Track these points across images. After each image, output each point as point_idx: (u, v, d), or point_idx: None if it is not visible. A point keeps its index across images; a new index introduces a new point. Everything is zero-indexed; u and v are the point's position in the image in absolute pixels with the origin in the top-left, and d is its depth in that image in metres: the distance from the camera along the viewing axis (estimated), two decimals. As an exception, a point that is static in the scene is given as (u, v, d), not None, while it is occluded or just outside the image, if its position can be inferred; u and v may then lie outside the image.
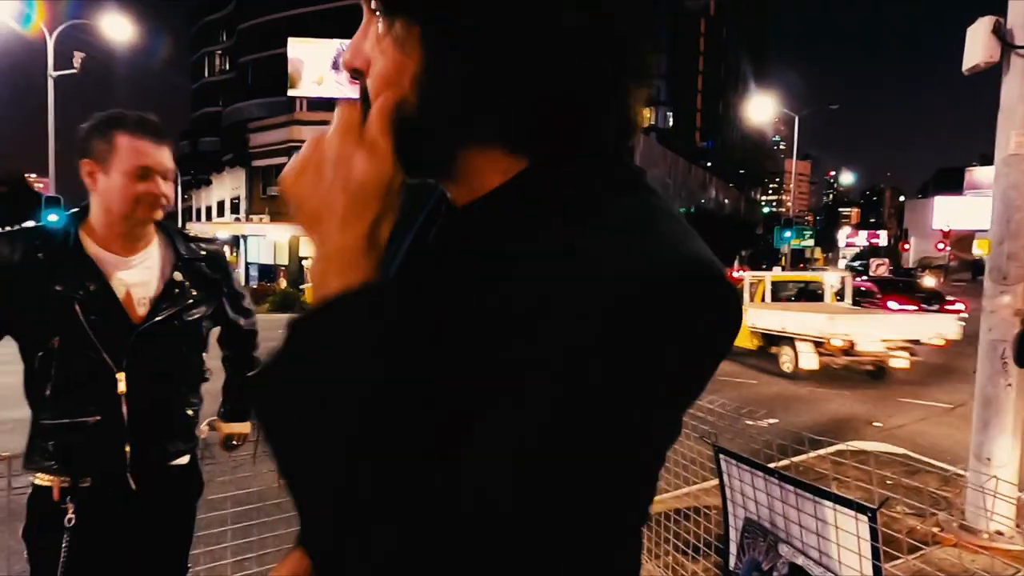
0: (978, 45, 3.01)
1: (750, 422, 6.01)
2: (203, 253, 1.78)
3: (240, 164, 38.03)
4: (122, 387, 1.56)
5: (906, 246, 41.47)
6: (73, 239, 1.58)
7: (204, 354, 1.81)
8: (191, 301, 1.71)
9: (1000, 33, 3.07)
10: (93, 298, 1.55)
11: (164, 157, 1.61)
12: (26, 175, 69.05)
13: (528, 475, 0.44)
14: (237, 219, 36.12)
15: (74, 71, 18.97)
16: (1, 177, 51.33)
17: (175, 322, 1.66)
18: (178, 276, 1.68)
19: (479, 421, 0.46)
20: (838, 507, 1.57)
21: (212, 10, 62.27)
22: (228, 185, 39.85)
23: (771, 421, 6.63)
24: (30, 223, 1.78)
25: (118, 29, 19.72)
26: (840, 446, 3.67)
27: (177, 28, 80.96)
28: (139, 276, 1.64)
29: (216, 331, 1.91)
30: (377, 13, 0.54)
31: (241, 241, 32.44)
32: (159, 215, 1.64)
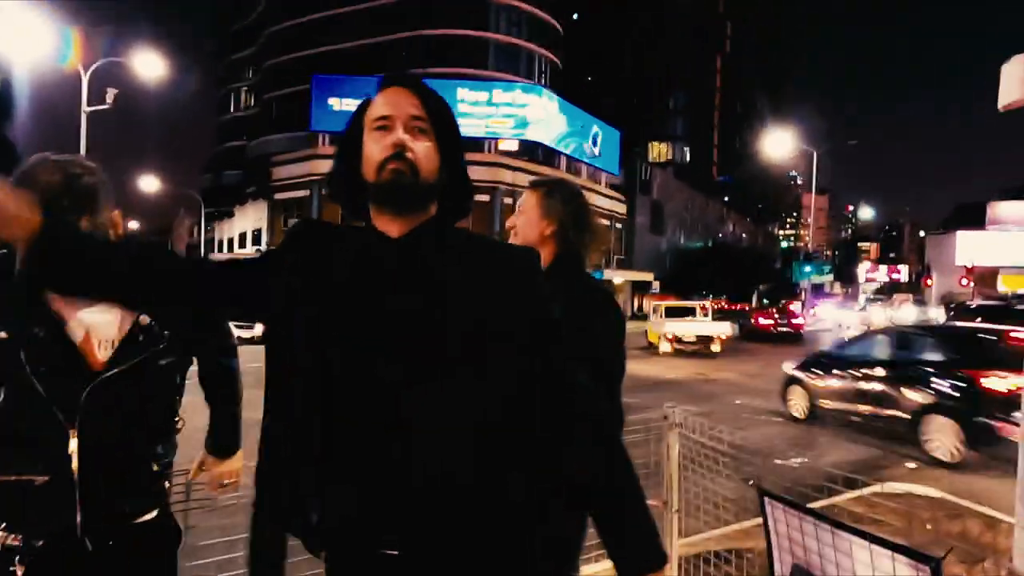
0: (1015, 82, 2.99)
1: (779, 461, 5.86)
2: None
3: (263, 196, 38.71)
4: (73, 445, 1.41)
5: (929, 282, 40.91)
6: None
7: (178, 399, 1.64)
8: (163, 345, 1.53)
9: (1036, 71, 3.06)
10: (42, 344, 1.40)
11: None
12: (54, 206, 70.67)
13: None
14: (258, 250, 36.61)
15: (107, 107, 19.52)
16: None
17: (142, 369, 1.49)
18: (145, 319, 1.51)
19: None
20: (897, 555, 1.50)
21: (239, 48, 64.11)
22: (251, 217, 40.50)
23: (800, 460, 6.50)
24: None
25: (150, 66, 20.28)
26: (877, 487, 3.57)
27: (205, 65, 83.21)
28: (102, 315, 1.47)
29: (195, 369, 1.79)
30: (420, 130, 1.14)
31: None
32: None
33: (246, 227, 41.22)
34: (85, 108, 18.98)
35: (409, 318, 1.07)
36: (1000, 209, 45.51)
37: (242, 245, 40.75)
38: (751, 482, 2.14)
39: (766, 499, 2.09)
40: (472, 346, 1.06)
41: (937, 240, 49.62)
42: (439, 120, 1.17)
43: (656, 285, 48.15)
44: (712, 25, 79.67)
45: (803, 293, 35.86)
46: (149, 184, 39.39)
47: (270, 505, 1.15)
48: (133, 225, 77.87)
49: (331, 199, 1.21)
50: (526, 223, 1.95)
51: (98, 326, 1.47)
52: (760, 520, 1.99)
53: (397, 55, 49.26)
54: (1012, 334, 7.32)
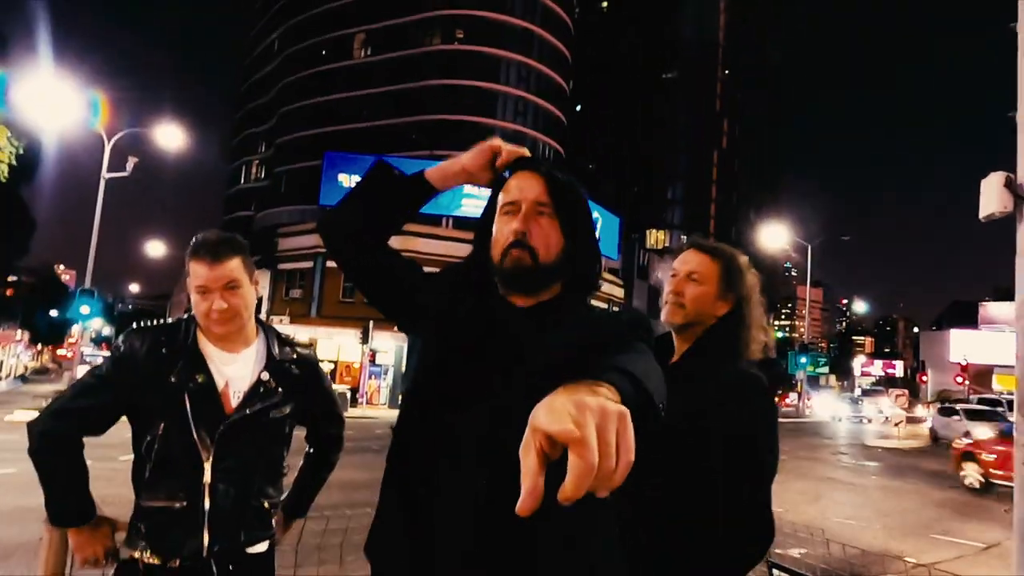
0: (992, 197, 3.30)
1: (779, 551, 5.84)
2: (294, 356, 1.89)
3: (266, 266, 39.15)
4: (207, 477, 1.67)
5: (924, 378, 40.98)
6: (192, 336, 1.76)
7: (286, 449, 1.89)
8: (276, 400, 1.80)
9: (1012, 187, 3.38)
10: (199, 388, 1.70)
11: (219, 273, 1.71)
12: (56, 267, 71.20)
13: None
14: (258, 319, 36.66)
15: (125, 174, 20.12)
16: (33, 267, 53.04)
17: (261, 418, 1.76)
18: (265, 376, 1.79)
19: None
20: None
21: (253, 124, 66.47)
22: (252, 286, 40.75)
23: (801, 551, 6.46)
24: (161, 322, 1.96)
25: (170, 137, 21.05)
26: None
27: (220, 139, 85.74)
28: (237, 371, 1.77)
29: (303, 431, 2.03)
30: (544, 215, 1.23)
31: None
32: (228, 328, 1.74)
33: (247, 295, 41.42)
34: (105, 174, 19.58)
35: (505, 379, 1.10)
36: (992, 309, 46.15)
37: (241, 313, 40.78)
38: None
39: (775, 571, 2.21)
40: None
41: (932, 337, 50.00)
42: (563, 203, 1.23)
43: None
44: (710, 122, 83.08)
45: (800, 385, 35.82)
46: (155, 249, 39.96)
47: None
48: (134, 287, 77.96)
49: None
50: (700, 294, 1.71)
51: (234, 379, 1.77)
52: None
53: (406, 136, 51.12)
54: None
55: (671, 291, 1.74)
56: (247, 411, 1.74)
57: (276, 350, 1.85)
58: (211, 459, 1.69)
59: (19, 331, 42.45)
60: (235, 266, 1.74)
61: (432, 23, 53.40)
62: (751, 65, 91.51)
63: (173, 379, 1.70)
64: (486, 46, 52.65)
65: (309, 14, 58.85)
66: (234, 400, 1.75)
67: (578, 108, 70.33)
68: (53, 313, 48.09)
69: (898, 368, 53.90)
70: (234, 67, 77.66)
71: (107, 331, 65.72)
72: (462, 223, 34.85)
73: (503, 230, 1.21)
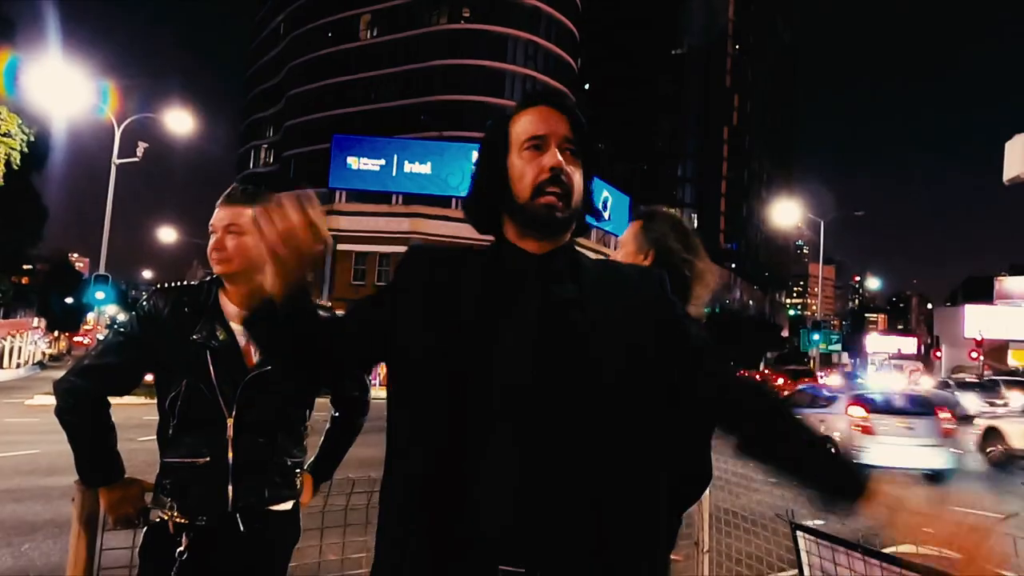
0: (1017, 158, 3.24)
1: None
2: None
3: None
4: (230, 432, 1.69)
5: (938, 354, 40.68)
6: (213, 296, 1.80)
7: (308, 411, 1.90)
8: None
9: (1037, 148, 3.32)
10: (221, 345, 1.73)
11: (225, 214, 1.77)
12: (69, 255, 71.90)
13: None
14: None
15: (135, 160, 20.20)
16: (47, 255, 53.55)
17: (282, 374, 1.75)
18: None
19: None
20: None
21: (262, 109, 66.37)
22: (263, 270, 41.03)
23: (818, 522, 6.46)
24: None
25: (179, 122, 21.09)
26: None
27: (229, 123, 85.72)
28: None
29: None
30: (573, 153, 1.13)
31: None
32: (219, 268, 1.77)
33: (259, 279, 41.77)
34: (116, 160, 19.65)
35: (557, 335, 1.03)
36: (1008, 284, 45.61)
37: (254, 297, 41.13)
38: (783, 516, 2.22)
39: (799, 533, 2.18)
40: (622, 367, 1.04)
41: (946, 313, 49.55)
42: (586, 144, 1.15)
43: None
44: (720, 97, 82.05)
45: (812, 363, 35.71)
46: (167, 235, 40.19)
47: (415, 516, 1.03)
48: (147, 274, 78.82)
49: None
50: (624, 257, 1.85)
51: None
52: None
53: (414, 118, 50.86)
54: None
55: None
56: (268, 367, 1.74)
57: None
58: (233, 414, 1.71)
59: (36, 318, 42.97)
60: (243, 212, 1.76)
61: (438, 2, 52.90)
62: (762, 40, 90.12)
63: (195, 337, 1.72)
64: (493, 24, 52.13)
65: (314, -5, 58.45)
66: (255, 357, 1.77)
67: (586, 86, 69.62)
68: (68, 300, 48.61)
69: (912, 345, 53.51)
70: (241, 51, 77.42)
71: (122, 317, 66.40)
72: (414, 199, 34.91)
73: (530, 165, 1.09)
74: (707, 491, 2.93)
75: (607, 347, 1.04)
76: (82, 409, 1.74)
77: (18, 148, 22.61)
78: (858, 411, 9.37)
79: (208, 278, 1.87)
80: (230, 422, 1.71)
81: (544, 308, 1.05)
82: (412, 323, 1.08)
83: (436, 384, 1.03)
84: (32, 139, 23.43)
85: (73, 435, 1.73)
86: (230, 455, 1.70)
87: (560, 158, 1.09)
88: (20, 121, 22.50)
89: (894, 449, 8.78)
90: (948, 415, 9.76)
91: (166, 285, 1.92)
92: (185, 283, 1.92)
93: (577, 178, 1.12)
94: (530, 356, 1.02)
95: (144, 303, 1.81)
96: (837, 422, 9.36)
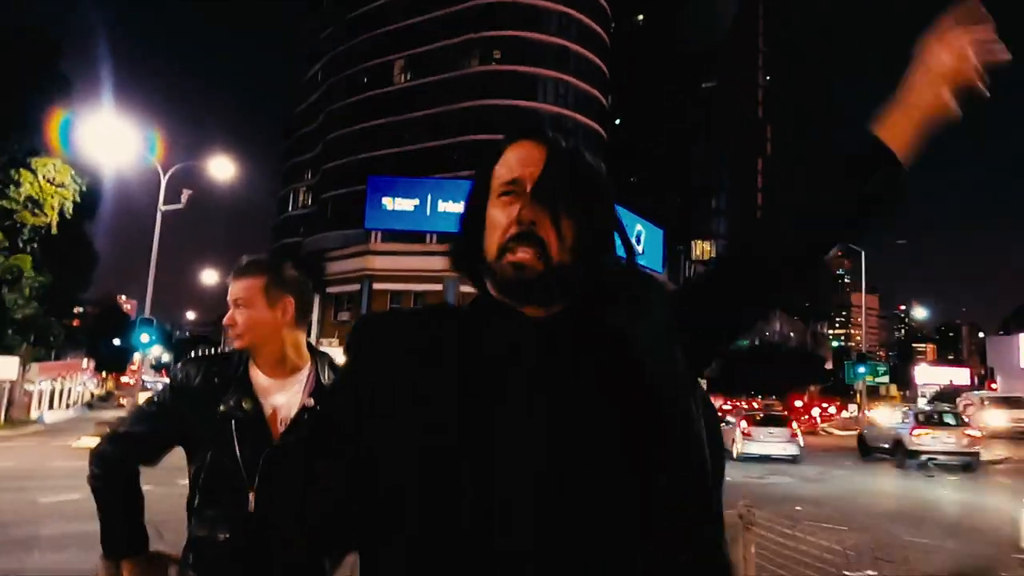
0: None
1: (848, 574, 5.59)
2: None
3: (315, 290, 40.03)
4: (251, 505, 1.66)
5: (993, 385, 39.02)
6: (243, 366, 1.80)
7: None
8: None
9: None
10: (246, 416, 1.72)
11: (232, 289, 1.79)
12: (118, 297, 74.36)
13: None
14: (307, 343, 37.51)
15: (180, 207, 20.90)
16: (97, 299, 55.44)
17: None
18: (310, 402, 1.77)
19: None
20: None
21: (300, 152, 68.46)
22: (301, 310, 41.82)
23: (870, 574, 6.16)
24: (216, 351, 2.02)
25: (221, 169, 21.81)
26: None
27: (270, 168, 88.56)
28: (286, 398, 1.78)
29: None
30: (554, 195, 0.92)
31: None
32: (236, 343, 1.78)
33: (297, 319, 42.55)
34: (161, 207, 20.36)
35: (555, 419, 0.83)
36: (1064, 311, 43.73)
37: (292, 336, 41.84)
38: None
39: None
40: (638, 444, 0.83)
41: (999, 342, 47.67)
42: (578, 178, 0.92)
43: (703, 384, 47.03)
44: (752, 128, 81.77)
45: (859, 396, 34.56)
46: (209, 277, 41.30)
47: None
48: (191, 315, 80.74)
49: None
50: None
51: (283, 407, 1.78)
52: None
53: (448, 158, 51.81)
54: None
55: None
56: (291, 438, 1.72)
57: (325, 376, 1.85)
58: (255, 488, 1.68)
59: (85, 360, 44.31)
60: (247, 285, 1.78)
61: (470, 46, 54.25)
62: (794, 70, 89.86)
63: (222, 408, 1.73)
64: (523, 65, 53.19)
65: (351, 43, 60.55)
66: (281, 427, 1.76)
67: (617, 121, 70.15)
68: (116, 342, 50.08)
69: (964, 376, 51.43)
70: (281, 98, 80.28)
71: (166, 358, 68.07)
72: (447, 238, 35.14)
73: (500, 216, 0.90)
74: (751, 555, 2.82)
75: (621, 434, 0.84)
76: (113, 477, 1.75)
77: (71, 198, 23.72)
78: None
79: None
80: (251, 495, 1.68)
81: (551, 415, 0.83)
82: (384, 434, 0.87)
83: (429, 519, 0.82)
84: (84, 189, 24.58)
85: (102, 503, 1.74)
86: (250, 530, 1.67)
87: (531, 207, 0.88)
88: (73, 172, 23.65)
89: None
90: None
91: (200, 353, 1.96)
92: (218, 351, 1.96)
93: (564, 227, 0.89)
94: (531, 485, 0.81)
95: (177, 372, 1.83)
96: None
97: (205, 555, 1.69)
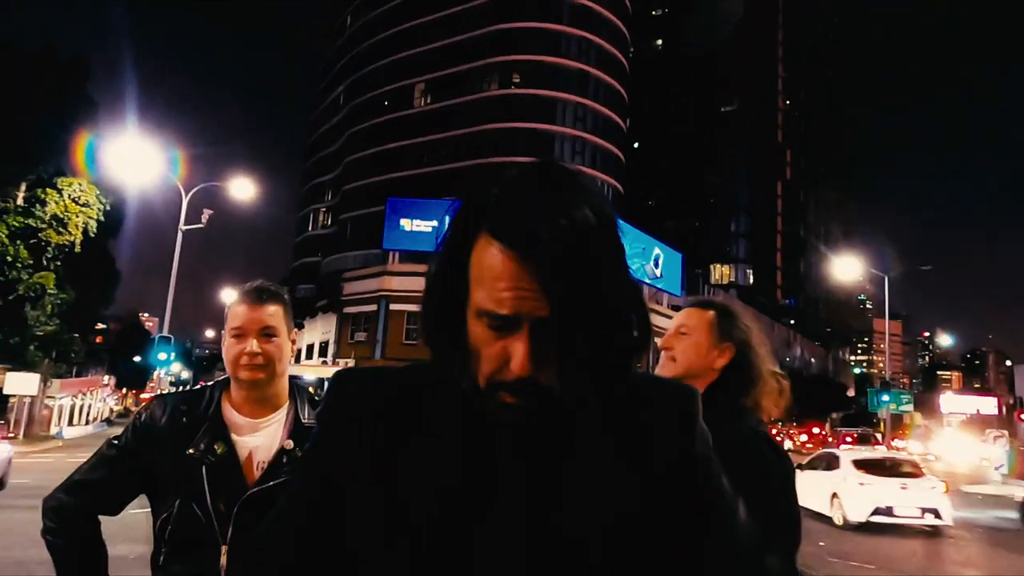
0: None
1: None
2: None
3: (333, 310, 40.22)
4: (223, 560, 1.51)
5: (1022, 416, 37.96)
6: (215, 404, 1.64)
7: None
8: None
9: None
10: (218, 460, 1.56)
11: (259, 316, 1.61)
12: (140, 314, 75.31)
13: None
14: (324, 362, 37.57)
15: (201, 226, 21.17)
16: (119, 316, 56.20)
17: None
18: (289, 444, 1.61)
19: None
20: None
21: (322, 173, 69.37)
22: (319, 329, 41.92)
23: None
24: (194, 386, 1.86)
25: (241, 189, 22.09)
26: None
27: (290, 188, 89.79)
28: (262, 440, 1.63)
29: None
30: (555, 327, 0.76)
31: (326, 384, 33.52)
32: (257, 376, 1.61)
33: (314, 339, 42.63)
34: (182, 227, 20.62)
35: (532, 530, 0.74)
36: (1095, 340, 42.60)
37: (309, 356, 41.97)
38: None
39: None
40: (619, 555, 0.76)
41: (1027, 371, 46.49)
42: (599, 292, 0.74)
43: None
44: (772, 153, 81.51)
45: (883, 424, 33.78)
46: (229, 296, 41.68)
47: None
48: (210, 333, 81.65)
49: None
50: (688, 347, 1.60)
51: (259, 449, 1.62)
52: None
53: (466, 180, 52.11)
54: None
55: (661, 346, 1.61)
56: (270, 483, 1.56)
57: (305, 415, 1.69)
58: (228, 539, 1.52)
59: (105, 376, 44.78)
60: (275, 312, 1.64)
61: (489, 69, 54.83)
62: (813, 94, 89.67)
63: (191, 451, 1.56)
64: (542, 89, 53.59)
65: (372, 67, 61.53)
66: (257, 472, 1.59)
67: (636, 145, 70.29)
68: (136, 359, 50.61)
69: (991, 405, 50.14)
70: (303, 121, 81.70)
71: (185, 375, 68.67)
72: None
73: (487, 348, 0.74)
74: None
75: (593, 530, 0.75)
76: (70, 529, 1.58)
77: (95, 217, 24.13)
78: None
79: (212, 383, 1.72)
80: (224, 548, 1.51)
81: (529, 481, 0.75)
82: (364, 522, 0.77)
83: None
84: (108, 208, 25.01)
85: (57, 559, 1.56)
86: None
87: (534, 357, 0.71)
88: (98, 192, 24.09)
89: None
90: None
91: (165, 392, 1.80)
92: (187, 388, 1.78)
93: (576, 359, 0.74)
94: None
95: (141, 412, 1.67)
96: None
97: None
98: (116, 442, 1.66)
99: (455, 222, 0.77)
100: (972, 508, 14.18)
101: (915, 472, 11.65)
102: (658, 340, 1.43)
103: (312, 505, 0.82)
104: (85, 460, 1.69)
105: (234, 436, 1.61)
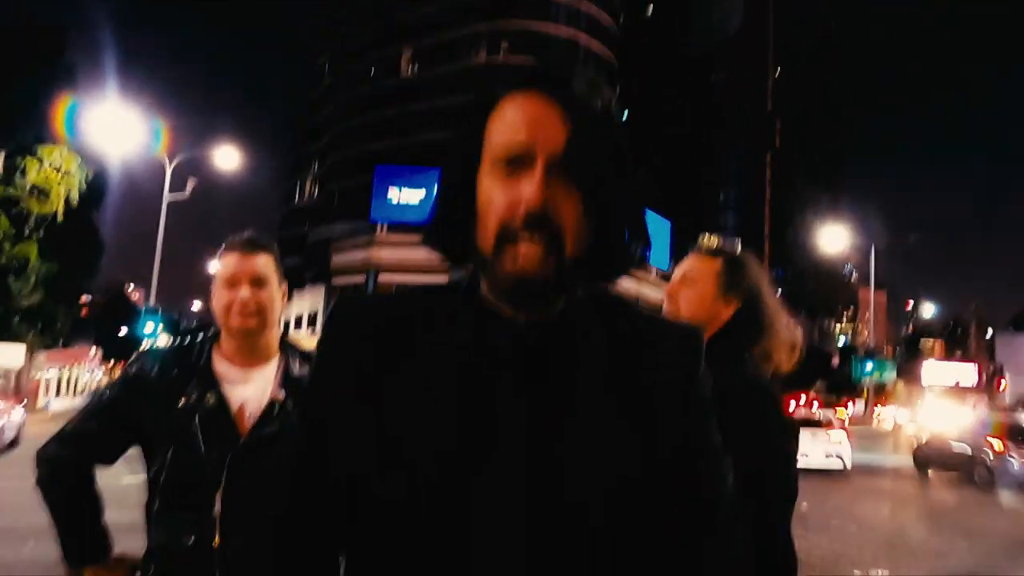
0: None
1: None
2: None
3: (321, 281, 40.05)
4: (218, 507, 1.52)
5: (1002, 383, 38.73)
6: (206, 355, 1.64)
7: None
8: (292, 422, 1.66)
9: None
10: (210, 411, 1.57)
11: (250, 264, 1.62)
12: (125, 285, 74.65)
13: None
14: (312, 333, 37.54)
15: (185, 196, 20.88)
16: (104, 287, 55.68)
17: (276, 441, 1.56)
18: (280, 395, 1.62)
19: None
20: None
21: (308, 143, 68.44)
22: (308, 300, 41.79)
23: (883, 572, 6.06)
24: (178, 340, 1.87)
25: (226, 158, 21.77)
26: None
27: (277, 158, 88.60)
28: (253, 391, 1.63)
29: None
30: (569, 174, 0.76)
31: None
32: (248, 323, 1.61)
33: (303, 310, 42.49)
34: (167, 196, 20.35)
35: (531, 447, 0.73)
36: (1075, 308, 43.32)
37: (298, 326, 41.89)
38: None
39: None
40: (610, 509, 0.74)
41: (1008, 339, 47.34)
42: (610, 156, 0.77)
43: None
44: (762, 122, 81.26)
45: (866, 392, 34.39)
46: (215, 267, 41.37)
47: None
48: (197, 304, 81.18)
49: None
50: (691, 298, 1.54)
51: (250, 400, 1.63)
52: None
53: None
54: None
55: (666, 292, 1.58)
56: (261, 434, 1.57)
57: (296, 368, 1.69)
58: (222, 488, 1.53)
59: (92, 348, 44.50)
60: (265, 261, 1.66)
61: (477, 37, 53.97)
62: (804, 63, 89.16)
63: (183, 402, 1.57)
64: (531, 56, 52.88)
65: (358, 34, 60.36)
66: (248, 422, 1.60)
67: (625, 113, 69.78)
68: (123, 330, 50.30)
69: (972, 373, 51.04)
70: (288, 89, 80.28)
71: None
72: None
73: (499, 197, 0.72)
74: None
75: (594, 485, 0.74)
76: (62, 481, 1.59)
77: (77, 186, 23.75)
78: None
79: (202, 335, 1.72)
80: (218, 496, 1.52)
81: (530, 431, 0.73)
82: (356, 447, 0.76)
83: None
84: (90, 177, 24.59)
85: (53, 509, 1.58)
86: (217, 536, 1.52)
87: (548, 187, 0.70)
88: (79, 161, 23.67)
89: None
90: None
91: (157, 347, 1.80)
92: (180, 341, 1.78)
93: (577, 217, 0.73)
94: (523, 531, 0.71)
95: (132, 365, 1.67)
96: None
97: (170, 564, 1.54)
98: (106, 393, 1.68)
99: (464, 128, 0.79)
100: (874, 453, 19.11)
101: (828, 427, 15.77)
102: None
103: (312, 430, 0.81)
104: (77, 411, 1.69)
105: (225, 387, 1.61)
